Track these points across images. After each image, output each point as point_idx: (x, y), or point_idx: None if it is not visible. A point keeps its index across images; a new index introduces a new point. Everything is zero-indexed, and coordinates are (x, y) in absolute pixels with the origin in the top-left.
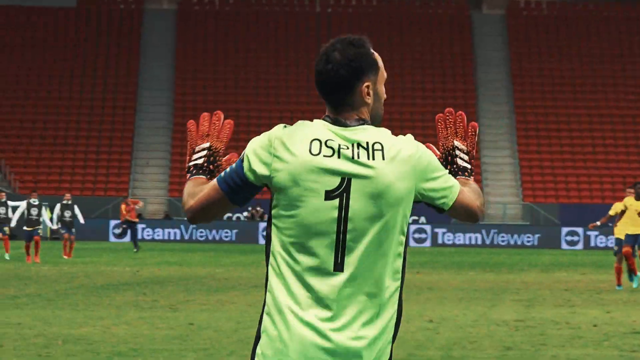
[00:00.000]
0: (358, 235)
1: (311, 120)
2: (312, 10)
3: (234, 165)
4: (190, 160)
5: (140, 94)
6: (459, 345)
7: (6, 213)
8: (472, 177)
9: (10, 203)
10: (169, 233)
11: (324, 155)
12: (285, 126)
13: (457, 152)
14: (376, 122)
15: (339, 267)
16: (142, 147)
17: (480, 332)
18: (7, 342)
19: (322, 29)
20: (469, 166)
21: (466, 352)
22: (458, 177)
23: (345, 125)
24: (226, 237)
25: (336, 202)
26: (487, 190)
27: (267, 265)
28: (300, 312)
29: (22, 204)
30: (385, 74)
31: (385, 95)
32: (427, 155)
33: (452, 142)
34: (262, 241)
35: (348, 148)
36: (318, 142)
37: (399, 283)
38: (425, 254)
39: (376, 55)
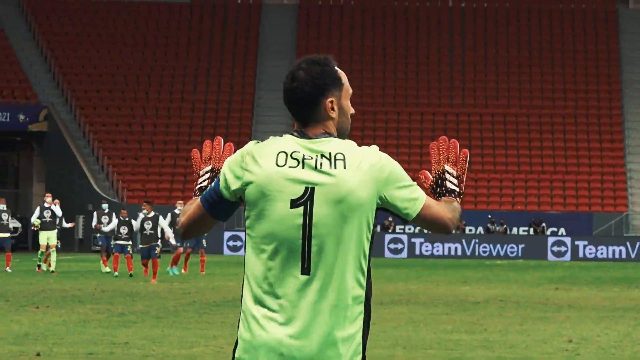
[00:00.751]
0: (322, 241)
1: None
2: (445, 5)
3: (213, 183)
4: (196, 185)
5: (258, 95)
6: None
7: (129, 232)
8: (459, 199)
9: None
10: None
11: (289, 166)
12: (257, 142)
13: (447, 175)
14: (343, 135)
15: (305, 270)
16: None
17: (624, 354)
18: None
19: (455, 24)
20: (457, 189)
21: None
22: (447, 197)
23: (310, 138)
24: None
25: (301, 209)
26: (633, 199)
27: (243, 274)
28: (266, 318)
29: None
30: (350, 90)
31: (352, 110)
32: (390, 165)
33: (443, 166)
34: (388, 255)
35: (312, 158)
36: (284, 154)
37: (363, 286)
38: (565, 268)
39: (340, 72)
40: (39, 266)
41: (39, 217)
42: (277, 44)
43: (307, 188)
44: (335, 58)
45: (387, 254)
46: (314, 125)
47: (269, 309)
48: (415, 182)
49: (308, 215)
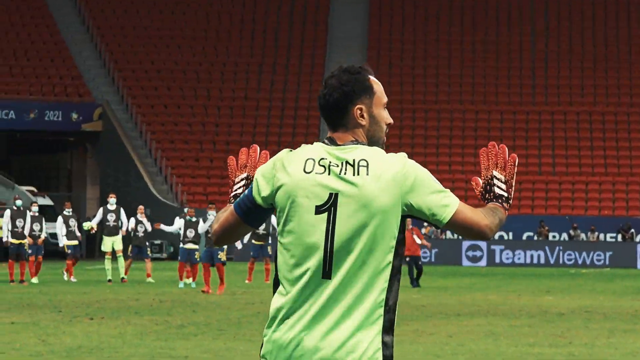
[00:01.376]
0: (345, 246)
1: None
2: None
3: (247, 190)
4: (231, 192)
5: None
6: None
7: (196, 235)
8: (506, 204)
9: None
10: None
11: (316, 173)
12: (290, 150)
13: (495, 181)
14: (376, 144)
15: (326, 275)
16: None
17: None
18: None
19: (538, 15)
20: (505, 194)
21: None
22: (493, 203)
23: (338, 145)
24: (424, 257)
25: (325, 215)
26: None
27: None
28: (289, 320)
29: (179, 222)
30: (384, 99)
31: (389, 120)
32: (415, 172)
33: (492, 172)
34: (466, 263)
35: (338, 166)
36: (312, 161)
37: (385, 292)
38: None
39: (373, 80)
40: (110, 280)
41: (101, 222)
42: (347, 38)
43: (331, 194)
44: (408, 55)
45: (465, 262)
46: (343, 132)
47: (292, 310)
48: (447, 189)
49: (331, 222)
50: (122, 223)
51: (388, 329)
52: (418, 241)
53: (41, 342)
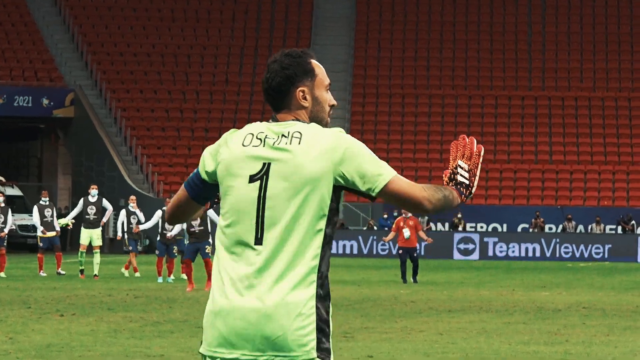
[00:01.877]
0: (276, 213)
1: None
2: None
3: (192, 174)
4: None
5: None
6: None
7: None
8: (468, 190)
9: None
10: (344, 246)
11: (253, 145)
12: (235, 130)
13: (459, 169)
14: (320, 124)
15: (258, 241)
16: None
17: None
18: None
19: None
20: (466, 181)
21: None
22: (452, 188)
23: (279, 122)
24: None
25: (257, 184)
26: None
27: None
28: (225, 286)
29: (157, 215)
30: (326, 82)
31: (332, 102)
32: (348, 144)
33: (457, 162)
34: (457, 256)
35: (273, 138)
36: (251, 136)
37: (317, 257)
38: None
39: (314, 64)
40: (82, 271)
41: (79, 214)
42: (333, 19)
43: (264, 164)
44: (398, 37)
45: (457, 255)
46: (285, 113)
47: (229, 277)
48: (383, 161)
49: (263, 189)
50: (104, 213)
51: (322, 296)
52: (423, 235)
53: (9, 339)
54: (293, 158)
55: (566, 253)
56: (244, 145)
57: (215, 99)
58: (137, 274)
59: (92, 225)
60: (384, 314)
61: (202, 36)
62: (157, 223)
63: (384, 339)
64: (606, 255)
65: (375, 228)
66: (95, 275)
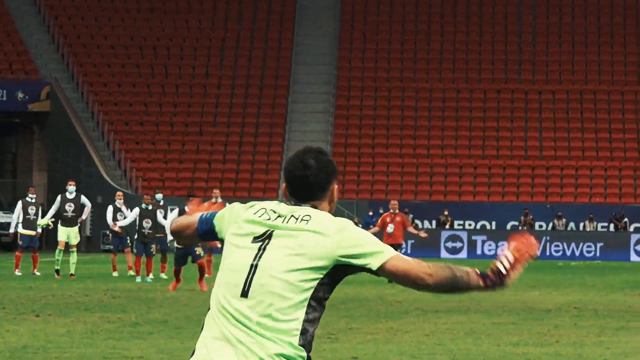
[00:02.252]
0: (266, 274)
1: None
2: None
3: (209, 214)
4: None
5: (295, 70)
6: None
7: (153, 226)
8: (497, 277)
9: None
10: None
11: (261, 216)
12: (252, 205)
13: (503, 258)
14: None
15: (243, 294)
16: (296, 137)
17: None
18: None
19: None
20: (503, 270)
21: None
22: (475, 271)
23: (297, 205)
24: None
25: (257, 245)
26: None
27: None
28: (209, 327)
29: (135, 211)
30: None
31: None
32: (350, 231)
33: (506, 252)
34: (444, 254)
35: (283, 216)
36: (264, 210)
37: (299, 325)
38: None
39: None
40: (58, 271)
41: (58, 211)
42: (317, 9)
43: (267, 230)
44: (385, 29)
45: (444, 253)
46: (311, 203)
47: (216, 325)
48: (382, 244)
49: (260, 250)
50: (83, 211)
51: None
52: (413, 230)
53: None
54: (299, 235)
55: (557, 251)
56: (254, 215)
57: (195, 92)
58: (115, 274)
59: (69, 223)
60: (369, 315)
61: (182, 27)
62: (135, 221)
63: (369, 340)
64: (598, 254)
65: (360, 226)
66: (72, 274)
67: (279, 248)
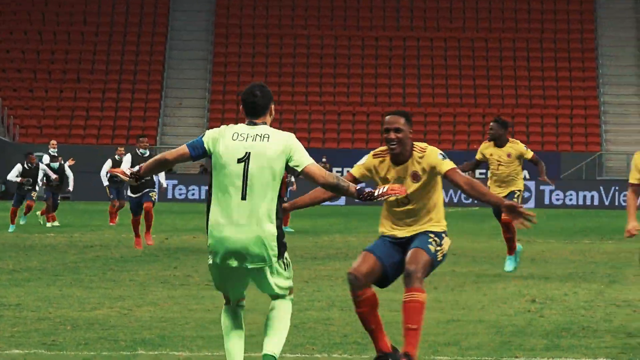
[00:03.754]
0: (253, 182)
1: None
2: None
3: (195, 141)
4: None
5: (173, 16)
6: (569, 331)
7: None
8: (367, 193)
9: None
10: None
11: (239, 140)
12: (227, 126)
13: (381, 187)
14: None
15: (244, 197)
16: (174, 84)
17: (595, 315)
18: (4, 327)
19: None
20: (374, 192)
21: (577, 339)
22: (354, 186)
23: (254, 125)
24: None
25: (242, 164)
26: (608, 137)
27: (209, 198)
28: (219, 224)
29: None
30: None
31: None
32: (293, 142)
33: (386, 186)
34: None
35: (252, 137)
36: (237, 134)
37: (275, 204)
38: None
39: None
40: None
41: None
42: None
43: (246, 152)
44: None
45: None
46: (261, 119)
47: (222, 218)
48: (308, 156)
49: (246, 167)
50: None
51: (278, 226)
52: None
53: None
54: (265, 150)
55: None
56: (232, 140)
57: (73, 39)
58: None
59: None
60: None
61: None
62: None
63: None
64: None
65: None
66: None
67: (256, 162)
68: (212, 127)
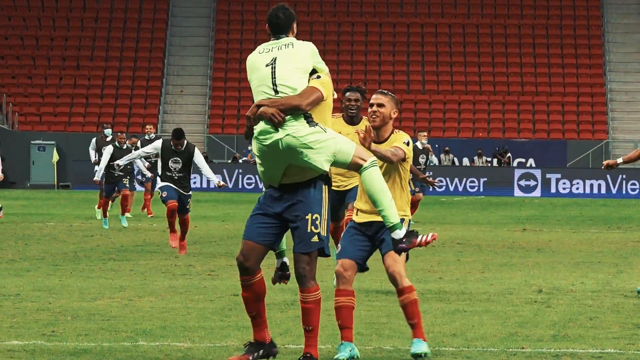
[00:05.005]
0: (282, 79)
1: None
2: None
3: None
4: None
5: (174, 2)
6: (576, 322)
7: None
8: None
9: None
10: (209, 180)
11: (265, 52)
12: (258, 49)
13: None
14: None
15: (275, 91)
16: (175, 71)
17: (602, 305)
18: (3, 318)
19: None
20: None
21: (584, 330)
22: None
23: (278, 39)
24: None
25: (270, 67)
26: (614, 124)
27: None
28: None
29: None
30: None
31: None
32: (313, 49)
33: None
34: None
35: (277, 47)
36: (263, 48)
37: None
38: (534, 206)
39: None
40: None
41: None
42: None
43: (273, 58)
44: None
45: None
46: (284, 35)
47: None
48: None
49: (274, 68)
50: None
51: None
52: None
53: None
54: (291, 54)
55: (440, 187)
56: (259, 53)
57: (72, 25)
58: None
59: None
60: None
61: None
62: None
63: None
64: (481, 189)
65: (240, 161)
66: None
67: (283, 64)
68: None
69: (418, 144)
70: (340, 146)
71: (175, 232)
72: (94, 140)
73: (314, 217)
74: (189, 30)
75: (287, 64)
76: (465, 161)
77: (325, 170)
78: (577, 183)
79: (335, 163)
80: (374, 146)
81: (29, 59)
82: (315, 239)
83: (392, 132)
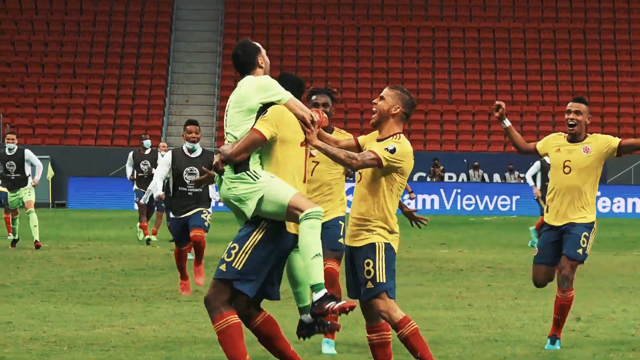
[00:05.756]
0: (227, 126)
1: None
2: None
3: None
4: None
5: (178, 5)
6: (617, 353)
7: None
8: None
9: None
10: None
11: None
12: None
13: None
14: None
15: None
16: (180, 79)
17: None
18: None
19: None
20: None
21: None
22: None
23: (242, 79)
24: None
25: (225, 112)
26: None
27: None
28: None
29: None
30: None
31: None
32: (260, 83)
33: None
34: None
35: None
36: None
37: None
38: None
39: (257, 44)
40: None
41: None
42: None
43: (229, 102)
44: None
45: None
46: (249, 72)
47: None
48: (279, 91)
49: (226, 114)
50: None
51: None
52: None
53: None
54: (236, 96)
55: (468, 205)
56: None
57: (68, 30)
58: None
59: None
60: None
61: None
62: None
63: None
64: (514, 208)
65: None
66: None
67: (230, 108)
68: (221, 127)
69: None
70: (271, 195)
71: (187, 279)
72: (130, 154)
73: (232, 245)
74: (195, 35)
75: (232, 109)
76: (496, 177)
77: (249, 217)
78: (619, 201)
79: (269, 214)
80: (321, 143)
81: (21, 66)
82: (222, 266)
83: (392, 135)
